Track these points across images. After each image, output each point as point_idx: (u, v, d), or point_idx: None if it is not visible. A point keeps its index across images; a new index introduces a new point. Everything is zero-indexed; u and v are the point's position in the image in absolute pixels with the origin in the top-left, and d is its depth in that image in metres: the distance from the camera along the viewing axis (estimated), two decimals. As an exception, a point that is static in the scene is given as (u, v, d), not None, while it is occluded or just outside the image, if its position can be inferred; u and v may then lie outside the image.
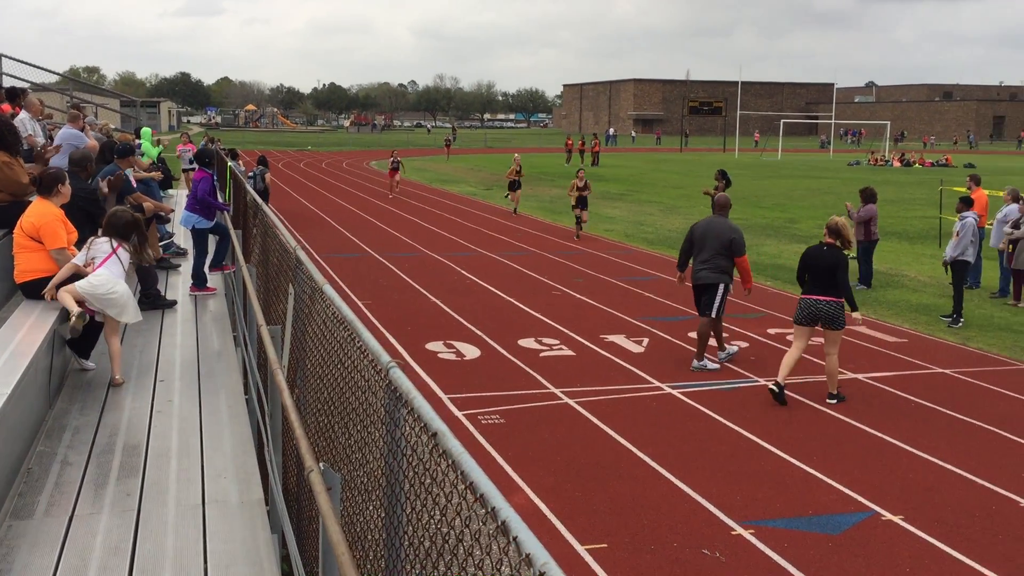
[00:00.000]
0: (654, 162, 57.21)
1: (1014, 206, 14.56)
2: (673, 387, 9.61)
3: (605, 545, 6.05)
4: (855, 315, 9.47)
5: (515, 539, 1.88)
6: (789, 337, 11.74)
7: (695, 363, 10.28)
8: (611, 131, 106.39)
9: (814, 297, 9.11)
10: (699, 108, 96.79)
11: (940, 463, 7.61)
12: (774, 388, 9.05)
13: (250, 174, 22.82)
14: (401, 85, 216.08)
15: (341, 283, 15.22)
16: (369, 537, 3.17)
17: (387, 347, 11.00)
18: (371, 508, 3.16)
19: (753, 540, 6.15)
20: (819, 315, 9.08)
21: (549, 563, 1.76)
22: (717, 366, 10.38)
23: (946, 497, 6.92)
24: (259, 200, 8.49)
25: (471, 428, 8.24)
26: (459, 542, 2.31)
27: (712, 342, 10.67)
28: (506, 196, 26.48)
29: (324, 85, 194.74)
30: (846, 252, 9.18)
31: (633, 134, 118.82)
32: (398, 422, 2.82)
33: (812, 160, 65.90)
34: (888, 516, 6.56)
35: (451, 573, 2.28)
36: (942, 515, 6.59)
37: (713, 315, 10.22)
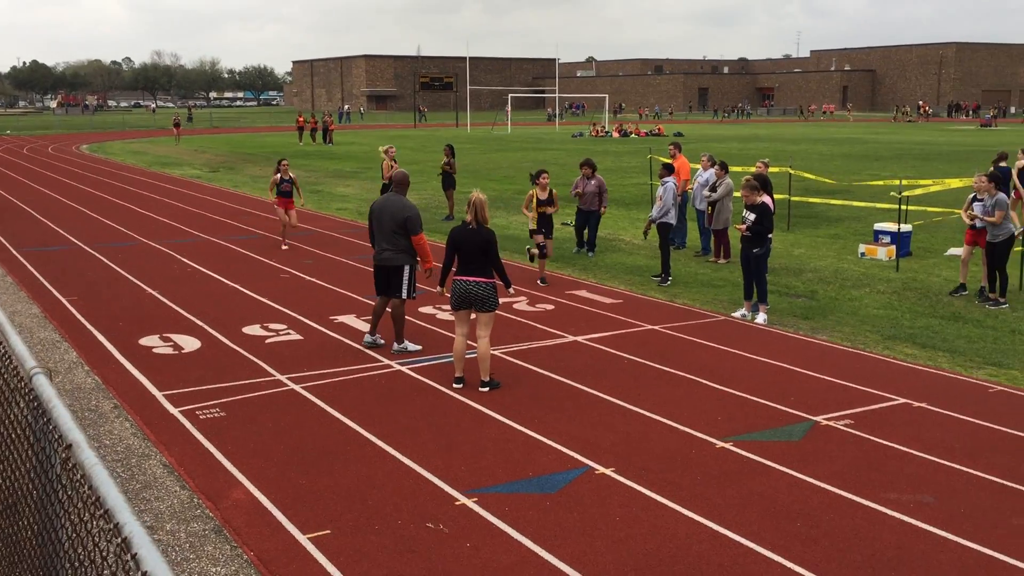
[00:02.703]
0: (387, 138, 57.03)
1: (712, 170, 15.82)
2: (402, 364, 9.61)
3: (328, 531, 5.94)
4: (510, 291, 9.23)
5: (135, 556, 1.73)
6: (517, 304, 12.11)
7: (395, 346, 10.08)
8: (346, 108, 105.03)
9: (465, 278, 8.68)
10: (431, 84, 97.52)
11: (647, 414, 8.13)
12: (456, 384, 8.86)
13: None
14: (115, 62, 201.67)
15: (43, 280, 13.92)
16: (25, 562, 2.87)
17: (95, 346, 10.21)
18: (26, 529, 2.86)
19: (476, 508, 6.27)
20: (471, 297, 8.68)
21: (167, 578, 1.63)
22: (419, 347, 10.16)
23: (652, 446, 7.40)
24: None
25: (188, 424, 7.80)
26: (101, 561, 2.11)
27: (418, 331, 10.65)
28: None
29: (25, 63, 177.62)
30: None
31: (362, 110, 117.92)
32: (39, 434, 2.56)
33: (539, 133, 68.50)
34: (601, 470, 6.92)
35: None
36: (648, 464, 7.04)
37: (404, 296, 9.96)
